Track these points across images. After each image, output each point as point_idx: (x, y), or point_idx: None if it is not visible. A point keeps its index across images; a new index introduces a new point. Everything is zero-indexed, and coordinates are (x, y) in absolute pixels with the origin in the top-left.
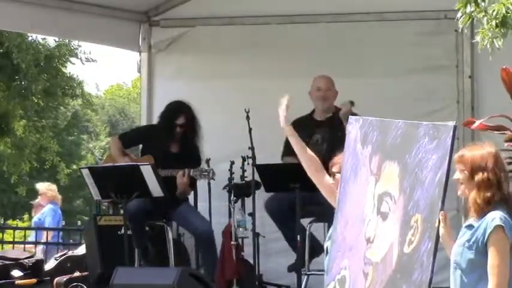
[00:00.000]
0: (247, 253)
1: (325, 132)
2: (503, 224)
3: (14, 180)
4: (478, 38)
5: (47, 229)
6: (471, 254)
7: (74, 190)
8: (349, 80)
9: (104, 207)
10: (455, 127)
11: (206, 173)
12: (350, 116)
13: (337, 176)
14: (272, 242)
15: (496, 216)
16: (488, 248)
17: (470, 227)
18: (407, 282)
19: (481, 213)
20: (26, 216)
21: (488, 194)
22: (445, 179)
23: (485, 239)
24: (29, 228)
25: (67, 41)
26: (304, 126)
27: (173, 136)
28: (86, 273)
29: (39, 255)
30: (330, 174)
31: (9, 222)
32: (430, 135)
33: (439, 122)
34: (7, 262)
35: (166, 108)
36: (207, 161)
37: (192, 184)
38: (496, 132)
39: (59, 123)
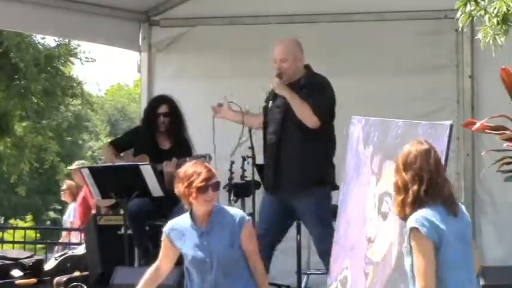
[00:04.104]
0: None
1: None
2: (416, 226)
3: (13, 180)
4: (480, 36)
5: (49, 229)
6: (409, 260)
7: None
8: (349, 79)
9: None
10: (451, 126)
11: (203, 159)
12: (353, 116)
13: None
14: None
15: (411, 219)
16: None
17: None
18: (406, 281)
19: (406, 216)
20: (28, 217)
21: (403, 196)
22: None
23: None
24: (29, 228)
25: (67, 41)
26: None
27: (157, 126)
28: (86, 273)
29: None
30: None
31: (11, 221)
32: (428, 135)
33: (438, 121)
34: (7, 262)
35: (148, 102)
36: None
37: None
38: (495, 132)
39: (61, 125)
